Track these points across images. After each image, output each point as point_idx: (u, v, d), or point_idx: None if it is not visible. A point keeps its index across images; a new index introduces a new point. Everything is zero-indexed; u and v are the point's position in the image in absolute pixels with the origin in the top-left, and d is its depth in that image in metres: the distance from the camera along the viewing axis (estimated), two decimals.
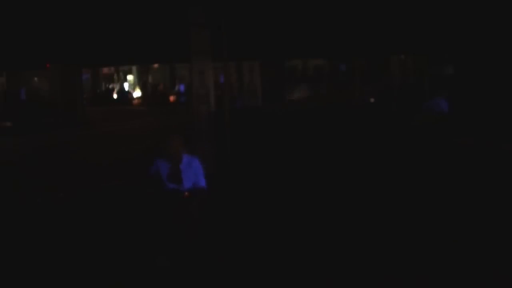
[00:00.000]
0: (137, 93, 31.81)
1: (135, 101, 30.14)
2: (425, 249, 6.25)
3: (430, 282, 5.43)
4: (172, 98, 29.02)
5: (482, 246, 6.17)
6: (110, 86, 31.85)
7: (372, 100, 20.28)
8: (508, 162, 8.65)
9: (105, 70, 32.83)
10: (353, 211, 7.82)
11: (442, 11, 8.03)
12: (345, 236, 6.85)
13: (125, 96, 30.41)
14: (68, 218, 8.30)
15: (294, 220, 7.64)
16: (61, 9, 11.15)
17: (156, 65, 32.22)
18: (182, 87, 28.96)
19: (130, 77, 34.08)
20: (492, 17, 7.04)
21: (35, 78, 26.27)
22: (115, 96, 30.48)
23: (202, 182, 6.09)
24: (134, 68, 33.37)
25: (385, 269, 5.78)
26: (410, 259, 6.00)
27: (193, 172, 6.06)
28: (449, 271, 5.68)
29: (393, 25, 8.96)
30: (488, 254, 5.99)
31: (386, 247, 6.36)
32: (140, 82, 33.37)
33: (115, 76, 33.92)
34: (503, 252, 6.01)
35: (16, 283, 6.03)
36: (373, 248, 6.36)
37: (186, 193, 6.01)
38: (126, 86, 32.83)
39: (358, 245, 6.52)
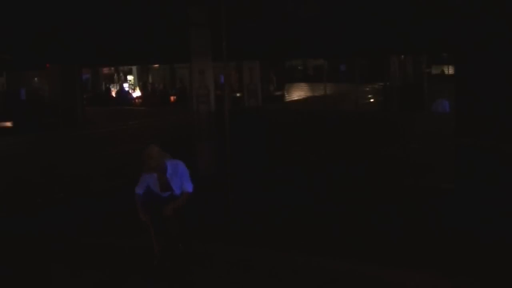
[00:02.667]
0: (137, 93, 31.82)
1: (135, 101, 30.15)
2: (422, 249, 6.26)
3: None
4: (172, 98, 29.03)
5: (481, 246, 6.18)
6: (110, 86, 31.82)
7: (371, 100, 20.31)
8: (507, 162, 8.64)
9: (105, 70, 32.80)
10: (353, 213, 7.83)
11: (442, 11, 8.04)
12: (345, 237, 6.86)
13: (125, 96, 30.38)
14: (68, 218, 8.31)
15: (294, 220, 7.64)
16: (61, 9, 11.15)
17: (156, 65, 32.22)
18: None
19: (130, 77, 34.07)
20: (492, 16, 7.05)
21: (35, 78, 26.25)
22: (114, 96, 30.46)
23: (188, 187, 6.03)
24: (134, 68, 33.36)
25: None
26: (408, 257, 6.01)
27: (179, 177, 5.99)
28: (446, 270, 5.68)
29: (393, 25, 8.97)
30: (486, 254, 6.00)
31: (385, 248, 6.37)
32: (140, 82, 33.37)
33: (115, 76, 33.90)
34: (502, 252, 6.01)
35: (17, 284, 6.04)
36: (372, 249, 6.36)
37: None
38: (126, 86, 32.81)
39: (358, 247, 6.52)
